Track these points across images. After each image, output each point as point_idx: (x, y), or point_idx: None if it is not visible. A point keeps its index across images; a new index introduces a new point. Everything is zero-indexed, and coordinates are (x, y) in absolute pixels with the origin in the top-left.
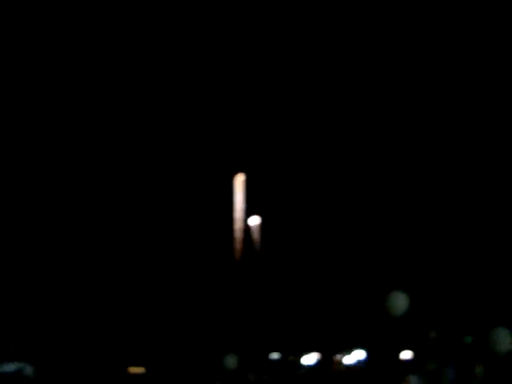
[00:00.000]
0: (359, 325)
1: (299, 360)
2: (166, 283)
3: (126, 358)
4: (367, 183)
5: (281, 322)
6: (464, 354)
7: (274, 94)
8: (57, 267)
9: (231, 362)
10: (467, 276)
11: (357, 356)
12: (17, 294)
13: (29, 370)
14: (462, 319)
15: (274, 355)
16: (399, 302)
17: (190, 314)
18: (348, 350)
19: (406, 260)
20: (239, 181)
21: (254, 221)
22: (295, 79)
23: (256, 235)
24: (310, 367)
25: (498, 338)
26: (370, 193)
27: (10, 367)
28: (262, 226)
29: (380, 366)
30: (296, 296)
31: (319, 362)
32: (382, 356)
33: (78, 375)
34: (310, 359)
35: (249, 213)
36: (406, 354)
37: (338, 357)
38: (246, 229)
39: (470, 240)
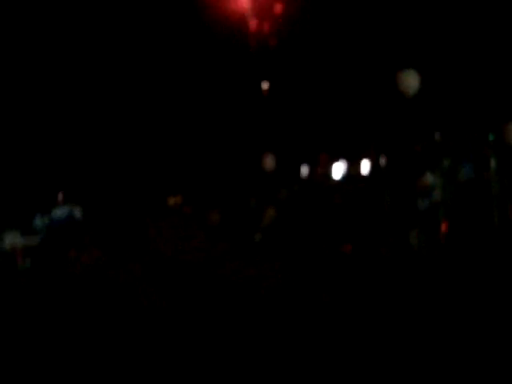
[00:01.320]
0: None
1: (330, 172)
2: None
3: (165, 189)
4: None
5: (305, 131)
6: (480, 150)
7: None
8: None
9: (270, 162)
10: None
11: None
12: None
13: (77, 212)
14: (475, 115)
15: (304, 169)
16: (411, 79)
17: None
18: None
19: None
20: None
21: None
22: None
23: None
24: (336, 179)
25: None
26: None
27: (61, 211)
28: None
29: (396, 168)
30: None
31: (345, 173)
32: (397, 152)
33: (122, 213)
34: (338, 170)
35: None
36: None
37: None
38: None
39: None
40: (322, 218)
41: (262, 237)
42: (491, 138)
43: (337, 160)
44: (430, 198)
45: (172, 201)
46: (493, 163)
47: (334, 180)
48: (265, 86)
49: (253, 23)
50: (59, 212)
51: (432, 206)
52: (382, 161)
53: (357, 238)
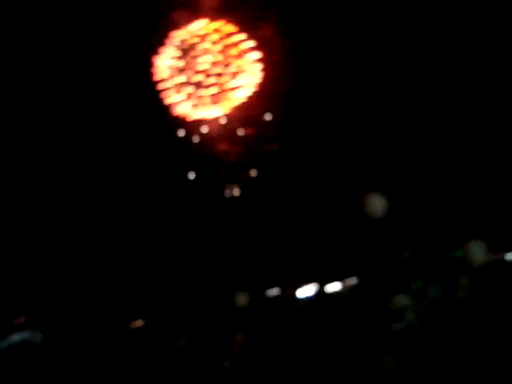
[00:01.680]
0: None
1: (295, 293)
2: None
3: (129, 312)
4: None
5: (270, 255)
6: (448, 268)
7: None
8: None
9: (242, 299)
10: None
11: (344, 283)
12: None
13: (37, 337)
14: (442, 233)
15: (272, 291)
16: (378, 203)
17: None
18: (339, 279)
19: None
20: None
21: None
22: None
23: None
24: (305, 299)
25: (473, 251)
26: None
27: (18, 337)
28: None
29: (367, 290)
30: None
31: (315, 294)
32: (369, 279)
33: (84, 335)
34: (305, 291)
35: None
36: (391, 275)
37: (327, 287)
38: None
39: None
40: (293, 342)
41: (232, 363)
42: (459, 254)
43: (305, 282)
44: (403, 320)
45: (137, 324)
46: (464, 281)
47: (302, 300)
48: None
49: None
50: (16, 337)
51: (406, 327)
52: (351, 282)
53: (329, 364)
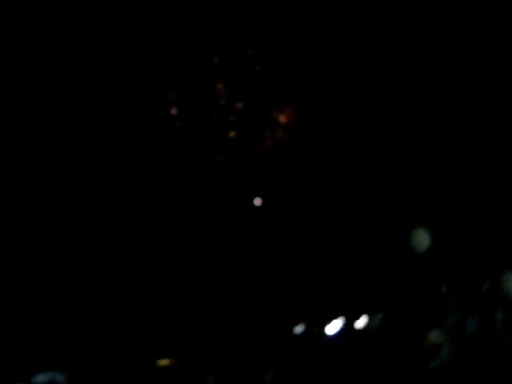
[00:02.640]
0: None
1: (323, 330)
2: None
3: (155, 350)
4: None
5: (297, 293)
6: (483, 301)
7: None
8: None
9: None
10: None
11: (375, 317)
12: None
13: (61, 378)
14: (475, 265)
15: (298, 328)
16: (422, 237)
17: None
18: (365, 313)
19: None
20: None
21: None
22: None
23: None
24: (333, 336)
25: (507, 283)
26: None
27: (43, 378)
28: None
29: (400, 325)
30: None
31: (342, 330)
32: (400, 314)
33: (110, 376)
34: (333, 328)
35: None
36: (425, 309)
37: (358, 322)
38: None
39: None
40: (322, 381)
41: None
42: (487, 286)
43: (333, 316)
44: (439, 357)
45: (163, 363)
46: (499, 314)
47: (331, 337)
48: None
49: None
50: (40, 378)
51: (441, 364)
52: (381, 316)
53: None
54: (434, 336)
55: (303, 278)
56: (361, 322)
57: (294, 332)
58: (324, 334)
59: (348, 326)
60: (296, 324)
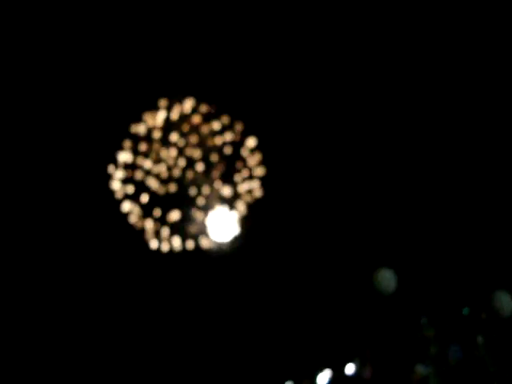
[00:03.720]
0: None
1: (314, 382)
2: None
3: None
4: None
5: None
6: (463, 327)
7: None
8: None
9: None
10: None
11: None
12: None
13: None
14: (450, 293)
15: None
16: (388, 279)
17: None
18: (352, 359)
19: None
20: None
21: None
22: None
23: None
24: None
25: (500, 303)
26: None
27: None
28: None
29: (385, 365)
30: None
31: (332, 379)
32: (384, 353)
33: None
34: (323, 379)
35: None
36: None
37: (347, 369)
38: None
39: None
40: None
41: None
42: (465, 312)
43: (321, 369)
44: None
45: None
46: (480, 340)
47: None
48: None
49: None
50: None
51: None
52: (367, 361)
53: None
54: (421, 369)
55: (283, 334)
56: (349, 369)
57: None
58: None
59: (337, 374)
60: (285, 381)
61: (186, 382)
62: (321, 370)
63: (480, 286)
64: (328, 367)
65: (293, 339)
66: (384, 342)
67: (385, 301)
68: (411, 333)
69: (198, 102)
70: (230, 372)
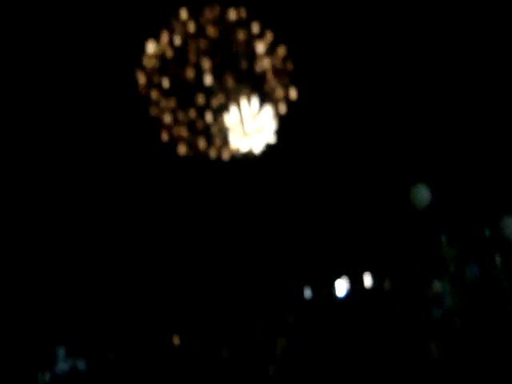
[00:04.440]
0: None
1: (332, 291)
2: None
3: (166, 328)
4: None
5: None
6: (482, 248)
7: None
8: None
9: None
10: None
11: (379, 275)
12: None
13: (82, 364)
14: (472, 212)
15: (307, 292)
16: (423, 193)
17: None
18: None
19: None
20: None
21: None
22: None
23: None
24: (343, 297)
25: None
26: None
27: (65, 365)
28: None
29: (405, 279)
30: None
31: (351, 289)
32: (404, 268)
33: (126, 358)
34: (341, 288)
35: None
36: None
37: (365, 280)
38: None
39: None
40: (333, 341)
41: (276, 369)
42: (487, 233)
43: (339, 277)
44: (443, 306)
45: (176, 341)
46: (497, 259)
47: (339, 298)
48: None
49: None
50: (62, 366)
51: (445, 313)
52: (387, 274)
53: (373, 355)
54: (437, 286)
55: (304, 241)
56: (368, 281)
57: (303, 297)
58: (333, 295)
59: (356, 285)
60: (304, 288)
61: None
62: (340, 279)
63: (499, 209)
64: (347, 277)
65: (315, 247)
66: (405, 256)
67: (414, 215)
68: (431, 250)
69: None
70: (249, 278)
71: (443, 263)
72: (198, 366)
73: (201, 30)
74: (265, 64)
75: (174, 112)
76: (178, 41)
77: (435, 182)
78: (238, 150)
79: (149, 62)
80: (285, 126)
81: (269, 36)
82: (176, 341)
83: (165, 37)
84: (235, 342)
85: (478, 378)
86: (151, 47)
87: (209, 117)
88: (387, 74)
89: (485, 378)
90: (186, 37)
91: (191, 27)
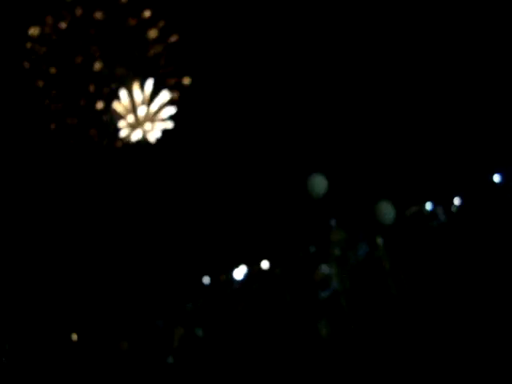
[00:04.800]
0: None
1: (230, 276)
2: None
3: (63, 324)
4: None
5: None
6: (368, 231)
7: None
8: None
9: None
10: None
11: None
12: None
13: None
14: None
15: (205, 279)
16: (320, 183)
17: None
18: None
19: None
20: None
21: None
22: None
23: None
24: (240, 281)
25: (382, 211)
26: None
27: None
28: None
29: (290, 263)
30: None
31: (248, 274)
32: (291, 251)
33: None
34: (239, 273)
35: None
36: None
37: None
38: None
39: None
40: (231, 326)
41: (175, 358)
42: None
43: (237, 264)
44: (330, 288)
45: (74, 337)
46: (379, 241)
47: (238, 282)
48: None
49: None
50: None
51: (333, 294)
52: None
53: (267, 336)
54: (323, 269)
55: (202, 229)
56: (265, 265)
57: (202, 283)
58: (232, 280)
59: (253, 270)
60: (202, 276)
61: None
62: (236, 266)
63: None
64: (244, 264)
65: (213, 234)
66: (293, 241)
67: (309, 203)
68: (320, 235)
69: None
70: (147, 267)
71: (330, 247)
72: (98, 359)
73: (88, 15)
74: (157, 50)
75: (62, 100)
76: (63, 25)
77: (329, 171)
78: (129, 138)
79: (34, 48)
80: (179, 112)
81: (161, 23)
82: (74, 337)
83: (50, 21)
84: (134, 333)
85: (363, 354)
86: (35, 31)
87: (100, 104)
88: (276, 61)
89: (370, 353)
90: (73, 21)
91: (78, 11)
